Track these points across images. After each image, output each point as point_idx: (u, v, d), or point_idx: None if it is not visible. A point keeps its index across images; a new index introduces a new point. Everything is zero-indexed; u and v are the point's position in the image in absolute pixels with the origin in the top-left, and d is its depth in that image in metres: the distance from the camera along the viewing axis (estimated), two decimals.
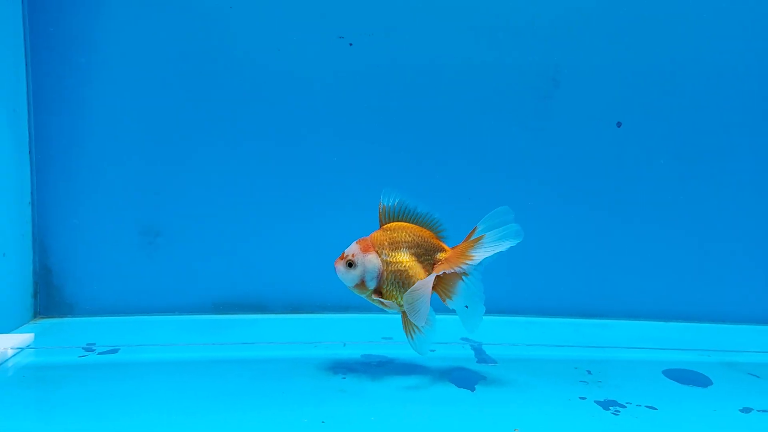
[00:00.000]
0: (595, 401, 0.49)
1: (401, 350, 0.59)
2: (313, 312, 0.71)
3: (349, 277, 0.52)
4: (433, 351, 0.59)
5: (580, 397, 0.49)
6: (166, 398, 0.47)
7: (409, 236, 0.53)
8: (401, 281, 0.52)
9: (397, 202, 0.53)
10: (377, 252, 0.52)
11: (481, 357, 0.58)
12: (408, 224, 0.53)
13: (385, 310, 0.53)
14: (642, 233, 0.71)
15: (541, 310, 0.72)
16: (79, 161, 0.67)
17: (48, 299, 0.68)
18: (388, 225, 0.53)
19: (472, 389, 0.50)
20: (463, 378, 0.53)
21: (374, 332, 0.65)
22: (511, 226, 0.50)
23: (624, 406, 0.48)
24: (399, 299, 0.52)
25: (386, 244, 0.52)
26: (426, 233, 0.53)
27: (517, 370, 0.55)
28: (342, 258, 0.52)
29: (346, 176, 0.69)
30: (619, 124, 0.70)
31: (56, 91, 0.66)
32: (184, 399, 0.47)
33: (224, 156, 0.68)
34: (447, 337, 0.64)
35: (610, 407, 0.47)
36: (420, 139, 0.69)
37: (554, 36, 0.68)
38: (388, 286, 0.52)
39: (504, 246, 0.50)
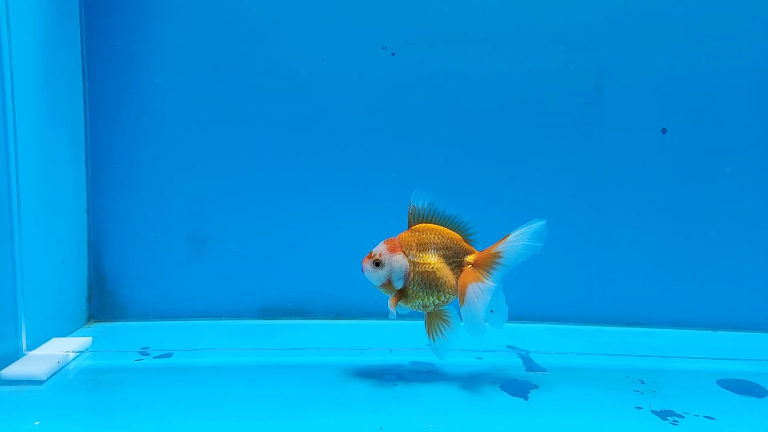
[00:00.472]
0: (651, 411, 0.48)
1: (449, 358, 0.58)
2: (355, 318, 0.72)
3: (376, 276, 0.52)
4: (480, 359, 0.60)
5: (637, 407, 0.49)
6: (224, 403, 0.48)
7: (438, 238, 0.53)
8: (428, 282, 0.52)
9: (427, 203, 0.53)
10: (404, 252, 0.52)
11: (530, 365, 0.58)
12: (436, 226, 0.53)
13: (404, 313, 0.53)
14: (687, 242, 0.70)
15: (585, 318, 0.71)
16: (131, 170, 0.69)
17: (101, 303, 0.70)
18: (417, 226, 0.53)
19: (526, 397, 0.50)
20: (515, 386, 0.53)
21: (419, 339, 0.64)
22: (536, 226, 0.50)
23: (682, 417, 0.47)
24: (425, 301, 0.52)
25: (414, 244, 0.52)
26: (455, 235, 0.53)
27: (568, 379, 0.55)
28: (369, 257, 0.52)
29: (390, 184, 0.70)
30: (663, 131, 0.70)
31: (110, 101, 0.68)
32: (241, 403, 0.48)
33: (270, 164, 0.70)
34: (492, 345, 0.64)
35: (668, 417, 0.47)
36: (461, 146, 0.70)
37: (597, 41, 0.68)
38: (415, 286, 0.52)
39: (529, 242, 0.50)
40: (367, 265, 0.52)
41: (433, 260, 0.52)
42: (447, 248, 0.52)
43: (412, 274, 0.52)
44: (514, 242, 0.51)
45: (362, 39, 0.69)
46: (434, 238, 0.53)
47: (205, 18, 0.68)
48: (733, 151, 0.69)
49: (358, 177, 0.70)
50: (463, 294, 0.51)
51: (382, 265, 0.52)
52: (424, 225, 0.53)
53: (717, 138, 0.69)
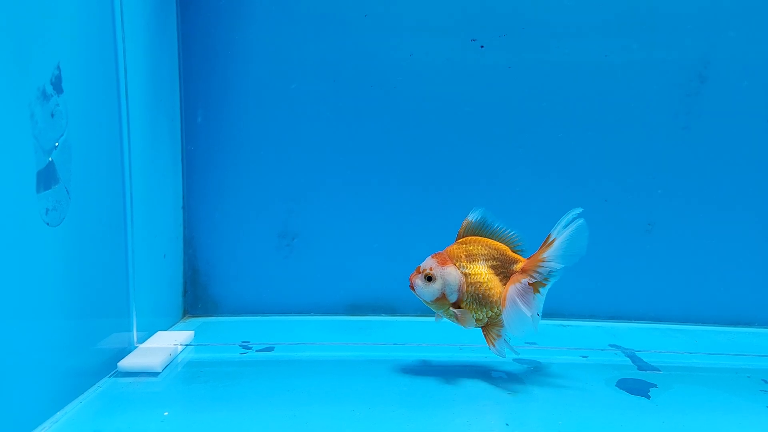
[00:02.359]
0: None
1: (552, 355, 0.59)
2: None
3: (428, 291, 0.51)
4: (586, 357, 0.58)
5: None
6: (332, 395, 0.48)
7: (485, 249, 0.51)
8: (480, 294, 0.51)
9: (479, 218, 0.52)
10: (455, 265, 0.51)
11: (640, 365, 0.56)
12: (482, 238, 0.52)
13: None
14: None
15: (687, 317, 0.68)
16: (224, 167, 0.70)
17: (195, 298, 0.72)
18: (463, 239, 0.52)
19: (647, 396, 0.49)
20: (632, 385, 0.51)
21: (514, 337, 0.63)
22: (576, 225, 0.48)
23: None
24: (478, 314, 0.51)
25: (463, 256, 0.51)
26: (501, 246, 0.52)
27: (686, 379, 0.53)
28: (418, 272, 0.51)
29: (477, 181, 0.69)
30: None
31: (205, 100, 0.70)
32: (349, 396, 0.48)
33: (359, 162, 0.70)
34: (594, 343, 0.63)
35: None
36: (556, 140, 0.68)
37: (701, 27, 0.66)
38: (468, 299, 0.51)
39: (573, 240, 0.47)
40: (418, 281, 0.51)
41: (483, 271, 0.51)
42: (495, 258, 0.51)
43: (465, 286, 0.51)
44: (559, 246, 0.48)
45: (451, 32, 0.68)
46: (481, 249, 0.51)
47: (296, 16, 0.68)
48: None
49: (447, 175, 0.69)
50: (504, 297, 0.50)
51: (435, 279, 0.51)
52: (470, 237, 0.52)
53: None
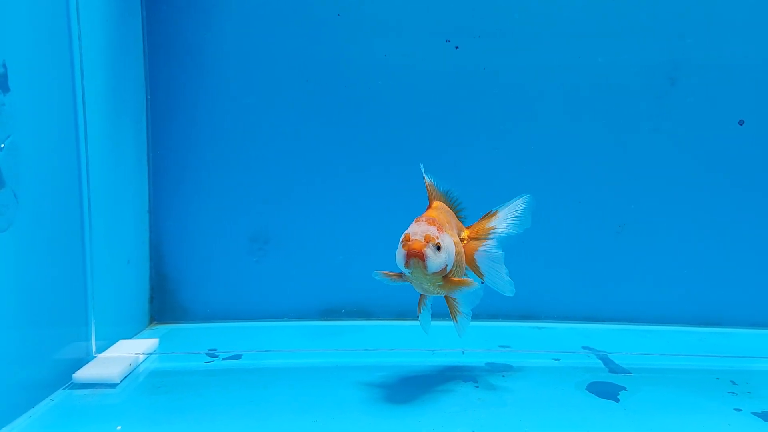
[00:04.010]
0: (752, 413, 0.46)
1: (525, 358, 0.58)
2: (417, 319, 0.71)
3: (439, 262, 0.43)
4: (558, 360, 0.58)
5: (736, 409, 0.47)
6: (299, 405, 0.47)
7: (450, 215, 0.49)
8: (460, 262, 0.47)
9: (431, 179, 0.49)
10: (447, 233, 0.46)
11: (612, 367, 0.56)
12: (442, 203, 0.50)
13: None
14: (764, 237, 0.67)
15: (659, 318, 0.68)
16: (192, 169, 0.68)
17: (162, 305, 0.69)
18: (435, 204, 0.49)
19: (616, 399, 0.48)
20: (602, 389, 0.50)
21: (490, 340, 0.63)
22: (524, 200, 0.49)
23: None
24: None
25: (445, 223, 0.47)
26: (452, 212, 0.50)
27: (655, 381, 0.53)
28: (429, 239, 0.43)
29: (452, 182, 0.68)
30: (741, 123, 0.67)
31: (172, 101, 0.68)
32: (318, 405, 0.47)
33: (332, 163, 0.68)
34: (567, 345, 0.62)
35: None
36: (527, 141, 0.67)
37: (672, 30, 0.65)
38: (456, 268, 0.47)
39: (520, 215, 0.49)
40: (430, 251, 0.43)
41: (457, 238, 0.48)
42: (454, 226, 0.49)
43: (455, 255, 0.46)
44: (507, 217, 0.49)
45: (426, 33, 0.67)
46: (449, 216, 0.49)
47: (268, 15, 0.67)
48: None
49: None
50: (476, 265, 0.49)
51: (442, 248, 0.43)
52: (438, 202, 0.49)
53: None
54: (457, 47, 0.67)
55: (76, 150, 0.53)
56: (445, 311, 0.52)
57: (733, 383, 0.52)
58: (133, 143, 0.66)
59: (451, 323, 0.62)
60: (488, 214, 0.51)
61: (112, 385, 0.50)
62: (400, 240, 0.44)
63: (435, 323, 0.68)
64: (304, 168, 0.68)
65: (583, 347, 0.61)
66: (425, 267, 0.43)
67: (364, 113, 0.68)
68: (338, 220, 0.69)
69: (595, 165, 0.68)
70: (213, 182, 0.68)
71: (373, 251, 0.70)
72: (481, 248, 0.49)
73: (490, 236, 0.50)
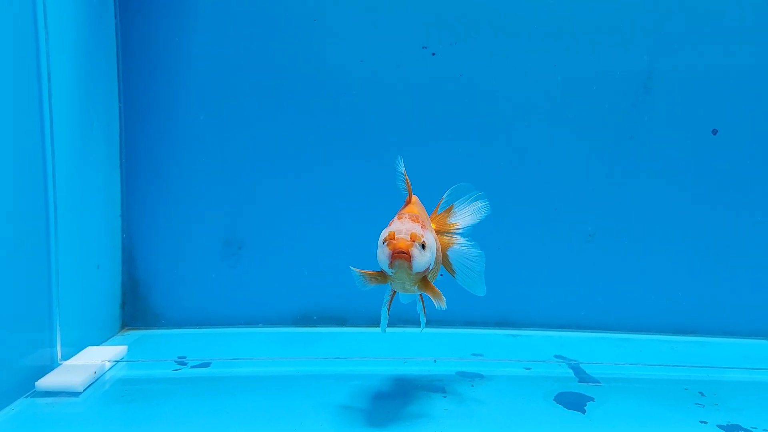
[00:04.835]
0: (718, 425, 0.46)
1: (497, 367, 0.58)
2: (394, 326, 0.69)
3: (424, 261, 0.41)
4: (529, 369, 0.58)
5: (701, 421, 0.47)
6: (267, 416, 0.46)
7: (423, 209, 0.48)
8: (438, 260, 0.46)
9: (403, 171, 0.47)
10: (428, 230, 0.44)
11: (582, 377, 0.56)
12: (417, 198, 0.48)
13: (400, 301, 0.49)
14: (737, 248, 0.67)
15: (633, 327, 0.68)
16: (165, 174, 0.68)
17: (135, 310, 0.69)
18: (414, 198, 0.47)
19: (583, 411, 0.48)
20: (570, 399, 0.50)
21: (463, 348, 0.63)
22: (477, 194, 0.49)
23: None
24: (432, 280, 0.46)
25: (426, 220, 0.45)
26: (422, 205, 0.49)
27: (624, 392, 0.53)
28: (414, 238, 0.41)
29: (429, 188, 0.68)
30: (714, 132, 0.67)
31: (145, 105, 0.67)
32: (285, 416, 0.46)
33: (307, 169, 0.68)
34: (540, 354, 0.62)
35: None
36: (503, 148, 0.67)
37: (646, 38, 0.66)
38: (436, 266, 0.45)
39: (476, 211, 0.49)
40: (416, 250, 0.40)
41: (435, 235, 0.46)
42: (428, 220, 0.47)
43: (437, 253, 0.45)
44: (466, 211, 0.49)
45: (402, 39, 0.67)
46: (423, 210, 0.47)
47: (243, 19, 0.66)
48: None
49: (398, 181, 0.69)
50: (449, 261, 0.48)
51: (427, 247, 0.41)
52: (415, 197, 0.47)
53: None
54: (433, 54, 0.67)
55: (41, 152, 0.52)
56: (417, 318, 0.52)
57: (702, 394, 0.52)
58: (105, 147, 0.65)
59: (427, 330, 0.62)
60: (447, 210, 0.50)
61: (75, 394, 0.50)
62: (383, 238, 0.42)
63: (408, 330, 0.69)
64: (279, 173, 0.68)
65: (556, 356, 0.61)
66: (410, 267, 0.41)
67: (340, 119, 0.68)
68: (314, 226, 0.68)
69: (571, 172, 0.68)
70: (187, 186, 0.68)
71: (349, 258, 0.70)
72: (455, 245, 0.48)
73: (455, 231, 0.49)
